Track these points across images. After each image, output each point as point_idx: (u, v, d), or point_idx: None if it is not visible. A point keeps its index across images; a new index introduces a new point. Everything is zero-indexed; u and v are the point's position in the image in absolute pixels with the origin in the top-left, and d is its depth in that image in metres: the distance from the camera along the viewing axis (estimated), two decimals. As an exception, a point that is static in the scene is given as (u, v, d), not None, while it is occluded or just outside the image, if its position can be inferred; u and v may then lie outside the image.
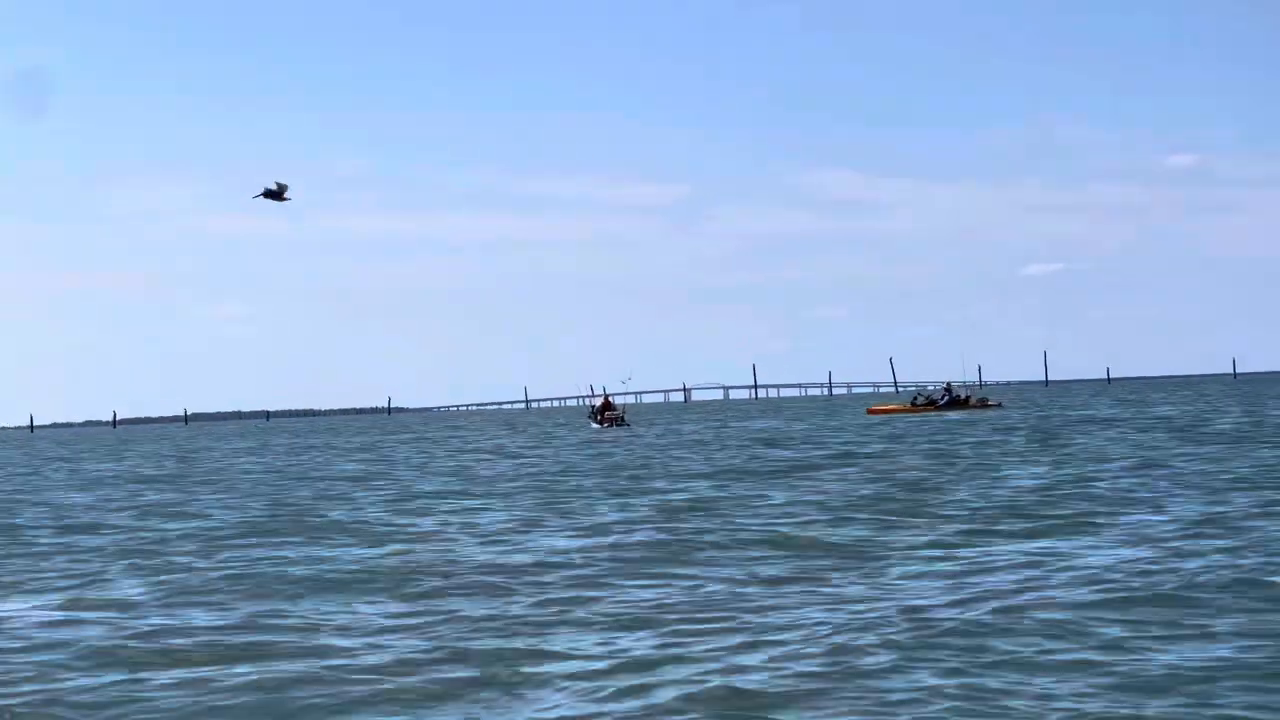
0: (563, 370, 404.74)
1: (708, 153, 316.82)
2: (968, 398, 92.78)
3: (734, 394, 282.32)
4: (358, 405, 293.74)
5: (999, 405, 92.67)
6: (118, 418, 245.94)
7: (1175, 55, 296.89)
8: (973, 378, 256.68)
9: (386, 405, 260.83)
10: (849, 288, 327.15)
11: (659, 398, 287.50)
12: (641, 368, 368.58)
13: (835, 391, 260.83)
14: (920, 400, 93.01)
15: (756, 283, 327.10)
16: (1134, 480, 28.19)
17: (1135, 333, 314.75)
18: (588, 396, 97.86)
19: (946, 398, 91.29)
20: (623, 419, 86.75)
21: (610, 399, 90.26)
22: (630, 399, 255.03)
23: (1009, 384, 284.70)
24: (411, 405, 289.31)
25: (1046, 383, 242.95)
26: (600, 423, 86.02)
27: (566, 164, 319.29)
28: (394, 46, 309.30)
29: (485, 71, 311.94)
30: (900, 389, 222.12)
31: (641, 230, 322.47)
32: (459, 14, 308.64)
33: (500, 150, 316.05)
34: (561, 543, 21.11)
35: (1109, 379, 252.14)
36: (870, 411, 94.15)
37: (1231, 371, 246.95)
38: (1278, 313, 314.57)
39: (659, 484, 32.84)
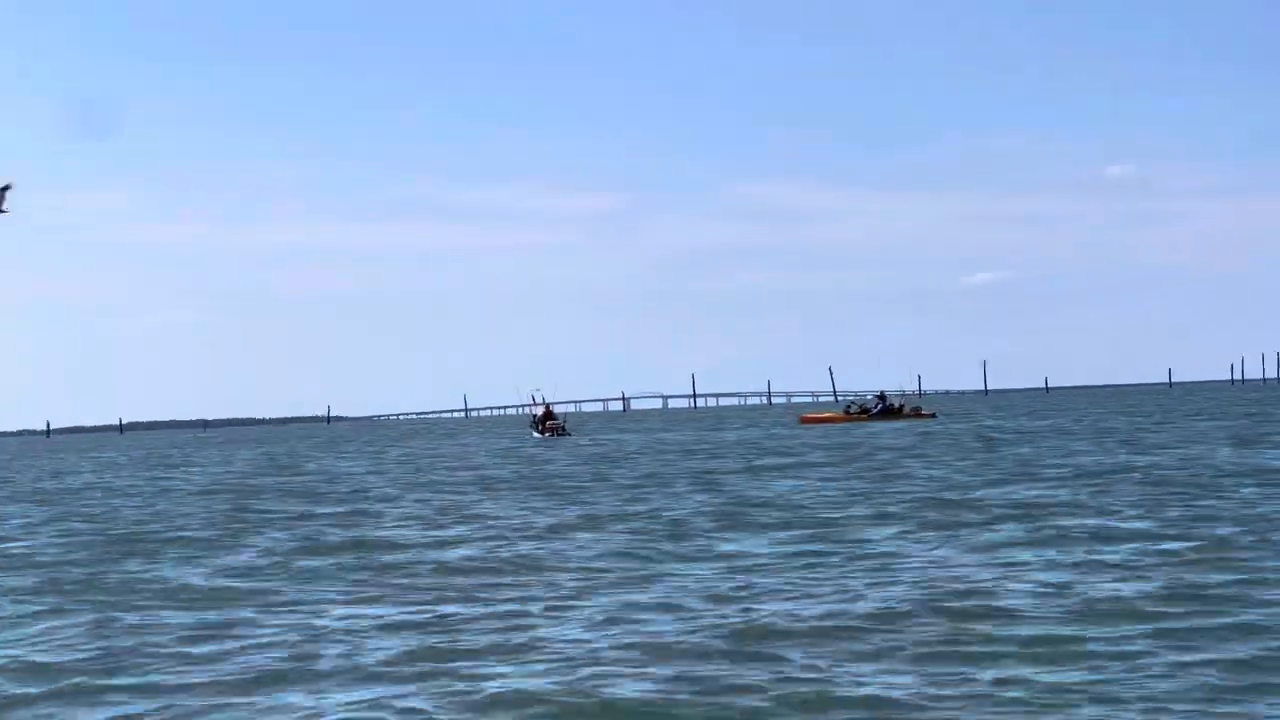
0: (502, 379, 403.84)
1: (648, 161, 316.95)
2: (901, 406, 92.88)
3: (673, 403, 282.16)
4: (298, 414, 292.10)
5: (933, 415, 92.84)
6: (51, 427, 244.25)
7: (1114, 66, 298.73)
8: (912, 386, 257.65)
9: (326, 414, 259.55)
10: (789, 297, 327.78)
11: (598, 406, 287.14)
12: (580, 376, 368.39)
13: (775, 400, 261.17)
14: (854, 409, 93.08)
15: (696, 291, 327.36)
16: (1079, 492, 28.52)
17: (1073, 343, 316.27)
18: (528, 405, 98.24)
19: (880, 406, 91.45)
20: (564, 428, 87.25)
21: (551, 408, 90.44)
22: (570, 408, 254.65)
23: (948, 393, 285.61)
24: (351, 414, 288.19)
25: (986, 392, 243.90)
26: (542, 432, 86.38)
27: (505, 172, 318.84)
28: (330, 55, 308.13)
29: (422, 79, 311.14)
30: (839, 398, 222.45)
31: (581, 239, 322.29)
32: (394, 20, 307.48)
33: (438, 159, 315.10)
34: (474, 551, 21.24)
35: (1047, 388, 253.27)
36: (803, 420, 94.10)
37: (1167, 381, 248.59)
38: (1213, 323, 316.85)
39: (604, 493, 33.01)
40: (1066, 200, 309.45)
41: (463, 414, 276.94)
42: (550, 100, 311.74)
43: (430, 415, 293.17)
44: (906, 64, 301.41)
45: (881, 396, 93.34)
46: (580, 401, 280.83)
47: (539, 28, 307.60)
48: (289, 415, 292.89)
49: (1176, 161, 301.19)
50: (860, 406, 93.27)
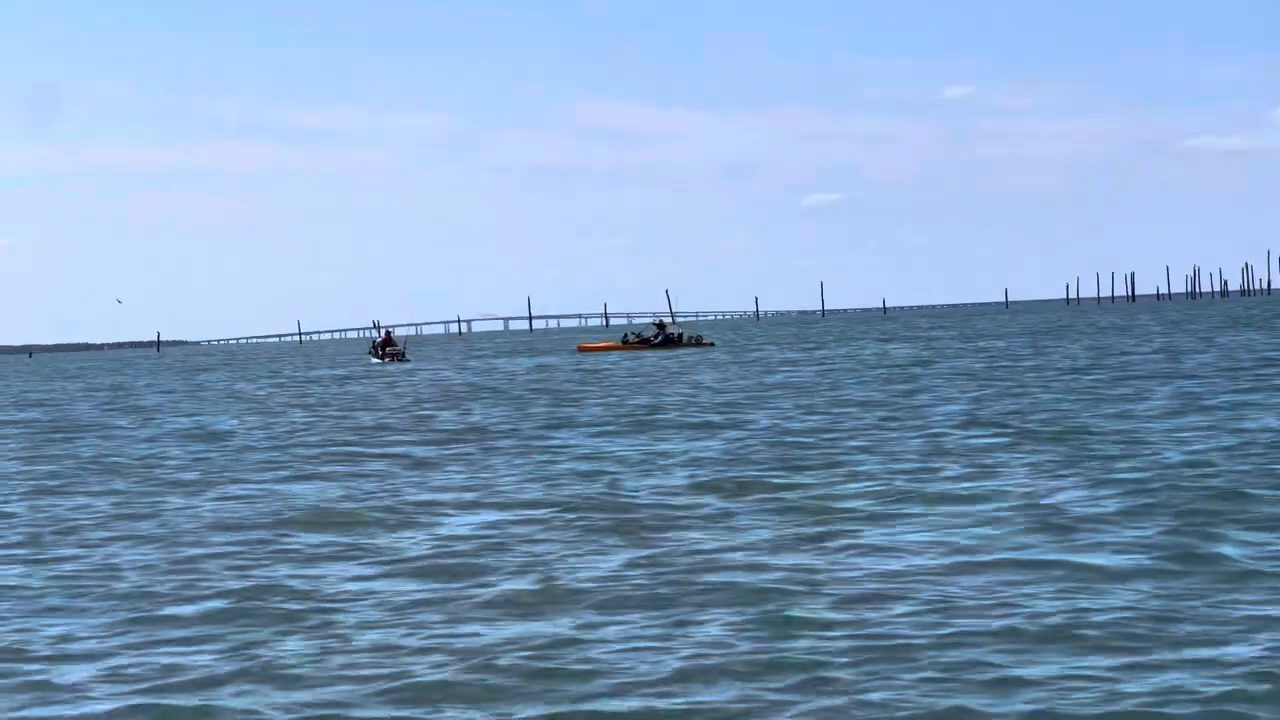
0: (338, 303, 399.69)
1: (481, 81, 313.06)
2: (681, 335, 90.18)
3: (514, 324, 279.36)
4: (130, 339, 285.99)
5: (712, 344, 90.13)
6: None
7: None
8: (750, 308, 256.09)
9: (156, 340, 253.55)
10: (627, 218, 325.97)
11: (439, 329, 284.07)
12: (421, 299, 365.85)
13: (614, 322, 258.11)
14: (632, 338, 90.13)
15: (534, 212, 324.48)
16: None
17: (910, 263, 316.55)
18: (368, 329, 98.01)
19: (660, 335, 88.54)
20: (403, 354, 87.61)
21: (391, 334, 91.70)
22: (411, 331, 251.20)
23: (786, 314, 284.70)
24: (184, 339, 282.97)
25: (823, 313, 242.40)
26: (381, 358, 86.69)
27: (339, 93, 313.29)
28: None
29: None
30: (677, 319, 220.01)
31: (417, 160, 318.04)
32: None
33: (272, 80, 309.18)
34: None
35: (885, 309, 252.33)
36: (580, 349, 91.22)
37: (1004, 301, 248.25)
38: (1048, 243, 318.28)
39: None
40: (904, 120, 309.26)
41: (297, 338, 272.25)
42: (383, 18, 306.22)
43: (267, 340, 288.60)
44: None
45: (660, 325, 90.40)
46: (422, 324, 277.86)
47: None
48: (121, 341, 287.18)
49: (1013, 82, 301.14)
50: (638, 336, 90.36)
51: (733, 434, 26.69)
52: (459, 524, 16.97)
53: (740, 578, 12.91)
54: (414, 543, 15.69)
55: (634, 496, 18.66)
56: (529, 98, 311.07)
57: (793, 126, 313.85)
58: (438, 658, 10.70)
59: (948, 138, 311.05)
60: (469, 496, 19.42)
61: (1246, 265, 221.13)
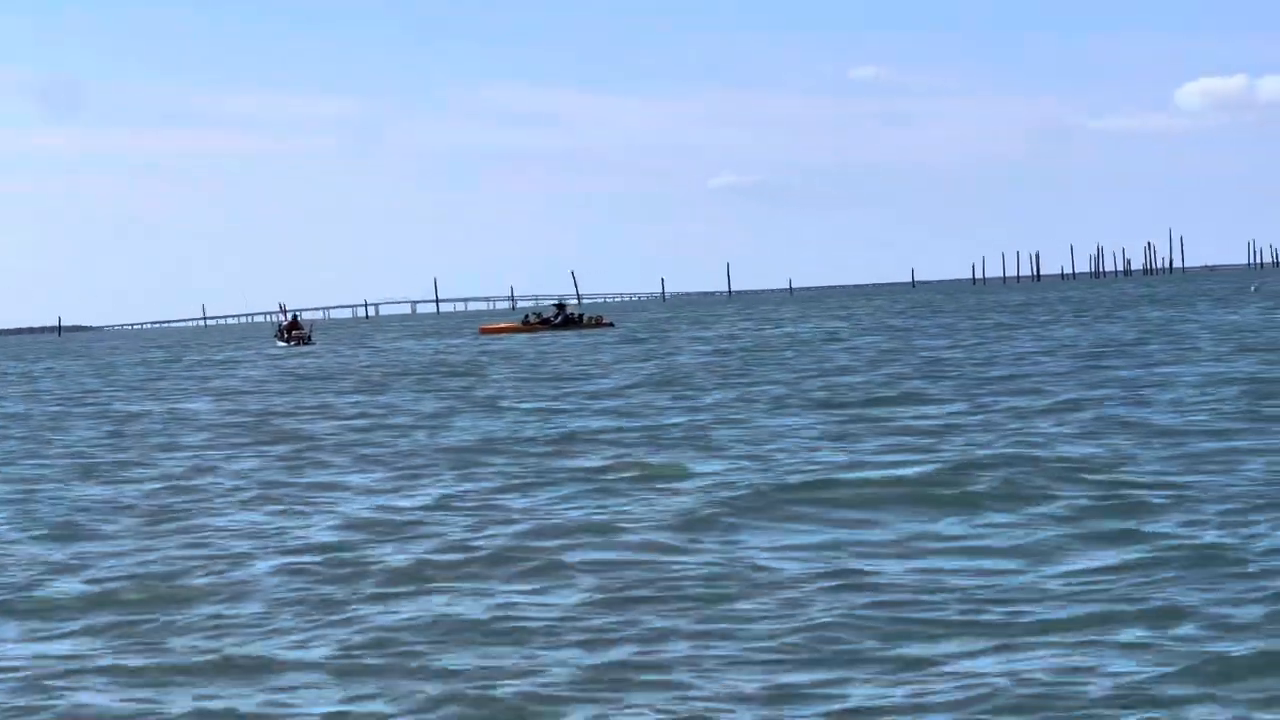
0: (245, 287, 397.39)
1: (387, 66, 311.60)
2: (582, 316, 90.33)
3: (421, 308, 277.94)
4: (30, 324, 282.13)
5: (611, 324, 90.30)
6: None
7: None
8: (656, 289, 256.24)
9: (57, 324, 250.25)
10: (533, 200, 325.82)
11: (348, 313, 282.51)
12: (329, 283, 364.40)
13: (521, 304, 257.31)
14: (533, 318, 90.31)
15: (439, 196, 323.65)
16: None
17: (816, 244, 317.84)
18: (275, 313, 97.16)
19: (560, 316, 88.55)
20: (309, 338, 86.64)
21: (298, 318, 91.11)
22: (319, 315, 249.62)
23: (694, 294, 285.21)
24: (86, 323, 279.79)
25: (730, 294, 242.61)
26: (286, 341, 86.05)
27: (242, 78, 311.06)
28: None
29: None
30: (583, 300, 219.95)
31: (321, 145, 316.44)
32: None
33: (175, 64, 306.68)
34: None
35: (791, 290, 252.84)
36: (482, 330, 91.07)
37: (911, 281, 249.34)
38: (954, 223, 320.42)
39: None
40: (810, 101, 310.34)
41: (200, 322, 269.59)
42: (286, 2, 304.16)
43: (171, 324, 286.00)
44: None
45: (560, 306, 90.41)
46: (330, 308, 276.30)
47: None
48: (20, 326, 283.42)
49: (921, 64, 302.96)
50: (539, 316, 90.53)
51: (639, 415, 26.45)
52: (361, 507, 16.61)
53: (657, 557, 12.68)
54: (316, 528, 15.30)
55: (544, 477, 18.37)
56: (435, 82, 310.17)
57: (699, 108, 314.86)
58: (335, 643, 10.35)
59: (854, 119, 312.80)
60: (373, 481, 19.04)
61: (1149, 244, 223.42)
